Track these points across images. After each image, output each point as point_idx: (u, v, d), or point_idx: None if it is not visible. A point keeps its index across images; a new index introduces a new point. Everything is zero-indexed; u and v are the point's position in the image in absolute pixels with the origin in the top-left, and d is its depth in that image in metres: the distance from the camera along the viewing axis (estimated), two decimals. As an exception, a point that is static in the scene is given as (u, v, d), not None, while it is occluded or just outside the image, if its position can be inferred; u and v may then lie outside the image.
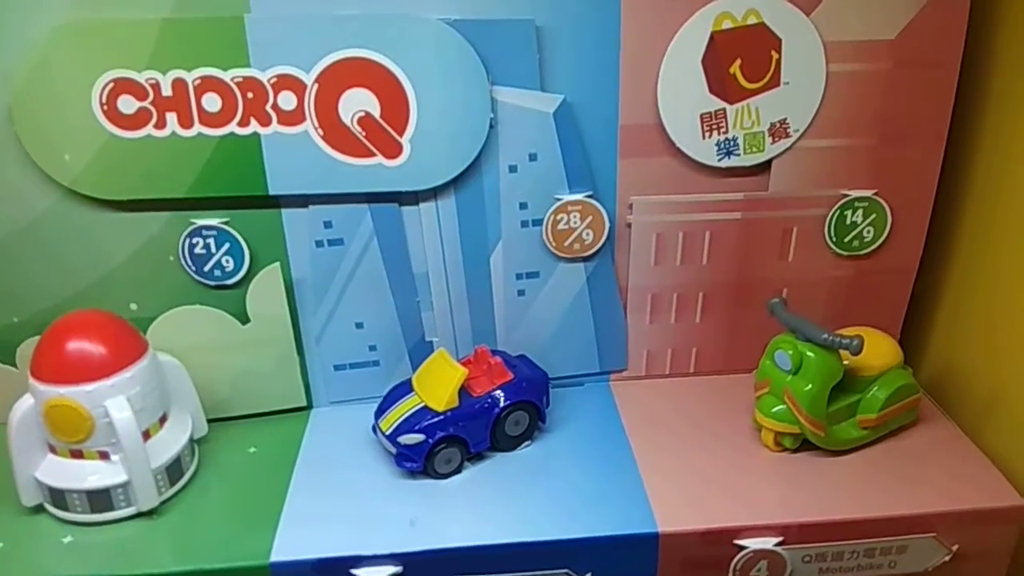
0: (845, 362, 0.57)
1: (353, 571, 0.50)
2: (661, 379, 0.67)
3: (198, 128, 0.55)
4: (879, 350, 0.58)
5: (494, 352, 0.61)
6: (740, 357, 0.65)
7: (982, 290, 0.62)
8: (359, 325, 0.63)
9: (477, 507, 0.54)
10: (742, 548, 0.52)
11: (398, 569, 0.50)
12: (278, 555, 0.50)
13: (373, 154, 0.56)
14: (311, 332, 0.63)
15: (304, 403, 0.64)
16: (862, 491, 0.54)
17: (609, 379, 0.67)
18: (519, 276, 0.62)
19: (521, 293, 0.63)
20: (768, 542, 0.52)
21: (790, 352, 0.55)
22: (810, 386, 0.55)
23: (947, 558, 0.53)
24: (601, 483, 0.56)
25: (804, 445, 0.58)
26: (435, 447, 0.56)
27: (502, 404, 0.58)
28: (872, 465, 0.57)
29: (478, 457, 0.59)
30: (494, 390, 0.58)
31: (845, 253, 0.63)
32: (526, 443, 0.60)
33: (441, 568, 0.51)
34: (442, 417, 0.56)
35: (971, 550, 0.54)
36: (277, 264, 0.59)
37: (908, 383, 0.58)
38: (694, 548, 0.52)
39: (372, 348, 0.64)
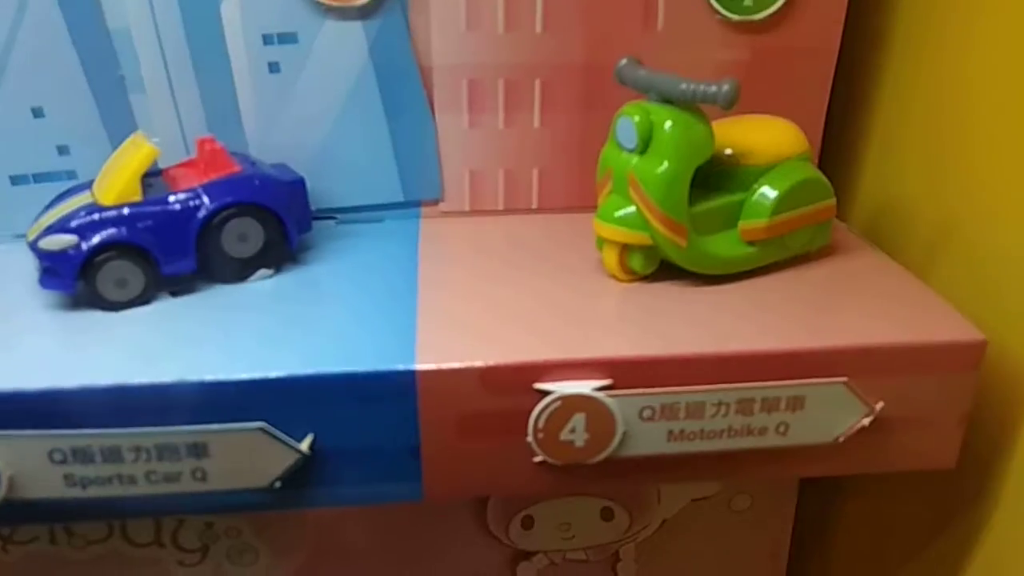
0: (727, 152, 0.39)
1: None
2: (493, 216, 0.49)
3: None
4: (770, 132, 0.40)
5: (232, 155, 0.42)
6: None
7: (928, 86, 0.44)
8: (37, 112, 0.43)
9: (149, 345, 0.35)
10: (546, 395, 0.33)
11: (-21, 422, 0.31)
12: None
13: None
14: (-36, 121, 0.43)
15: (-28, 232, 0.45)
16: (738, 322, 0.36)
17: (420, 213, 0.49)
18: (268, 40, 0.43)
19: (274, 68, 0.44)
20: (586, 386, 0.33)
21: (636, 119, 0.37)
22: (665, 164, 0.37)
23: (866, 421, 0.35)
24: (352, 319, 0.37)
25: (665, 272, 0.40)
26: (94, 256, 0.37)
27: (211, 204, 0.39)
28: (762, 296, 0.38)
29: (186, 289, 0.40)
30: (204, 184, 0.39)
31: (736, 18, 0.44)
32: (263, 272, 0.41)
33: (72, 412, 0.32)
34: (111, 214, 0.37)
35: (902, 413, 0.35)
36: None
37: (813, 177, 0.40)
38: (473, 397, 0.33)
39: (63, 151, 0.44)
